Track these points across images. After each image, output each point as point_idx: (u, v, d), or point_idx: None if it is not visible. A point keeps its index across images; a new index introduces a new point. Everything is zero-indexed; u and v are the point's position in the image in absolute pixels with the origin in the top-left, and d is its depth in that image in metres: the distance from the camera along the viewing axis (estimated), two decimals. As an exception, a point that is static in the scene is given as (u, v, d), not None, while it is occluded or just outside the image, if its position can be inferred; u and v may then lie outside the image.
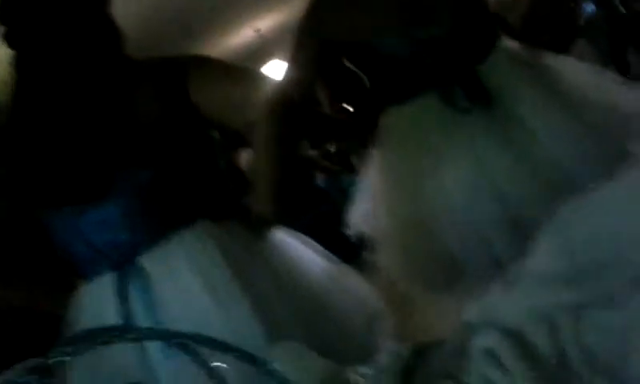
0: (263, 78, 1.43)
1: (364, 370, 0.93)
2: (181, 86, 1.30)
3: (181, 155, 1.31)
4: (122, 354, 1.16)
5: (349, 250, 1.94)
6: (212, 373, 0.66)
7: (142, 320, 1.22)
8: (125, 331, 0.55)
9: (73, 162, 1.27)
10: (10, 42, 1.26)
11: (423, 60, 1.56)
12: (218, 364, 0.75)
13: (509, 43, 1.67)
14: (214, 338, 0.53)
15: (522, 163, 1.52)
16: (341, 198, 2.10)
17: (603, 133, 1.50)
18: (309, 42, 1.62)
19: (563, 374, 0.64)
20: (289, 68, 1.65)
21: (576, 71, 1.67)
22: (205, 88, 1.31)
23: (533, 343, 0.68)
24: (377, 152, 1.78)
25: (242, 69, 1.51)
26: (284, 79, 1.63)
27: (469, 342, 0.80)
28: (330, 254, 1.55)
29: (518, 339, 0.69)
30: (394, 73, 1.62)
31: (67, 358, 0.53)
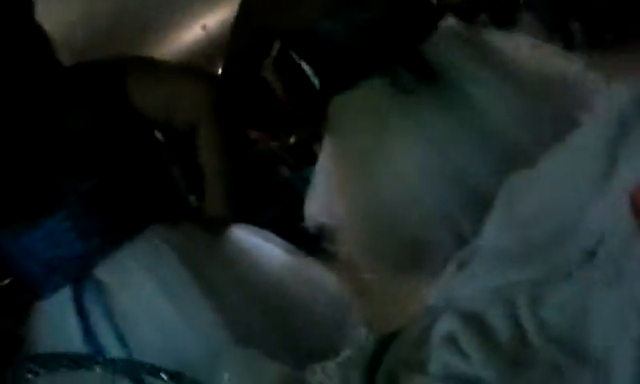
0: (202, 74, 1.40)
1: (329, 366, 0.91)
2: (118, 88, 1.25)
3: (124, 159, 1.27)
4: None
5: (314, 242, 1.91)
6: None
7: (103, 332, 1.19)
8: (91, 360, 0.52)
9: (13, 178, 1.23)
10: None
11: (362, 43, 1.53)
12: None
13: (450, 21, 1.66)
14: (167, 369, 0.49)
15: (473, 138, 1.50)
16: (305, 189, 2.07)
17: (545, 102, 1.50)
18: (245, 30, 1.59)
19: (524, 354, 0.63)
20: (227, 59, 1.62)
21: (517, 45, 1.67)
22: (143, 89, 1.27)
23: (492, 325, 0.67)
24: (328, 141, 1.75)
25: (180, 66, 1.47)
26: (223, 71, 1.59)
27: (431, 328, 0.78)
28: (293, 247, 1.52)
29: (476, 322, 0.68)
30: (336, 58, 1.59)
31: (29, 376, 0.50)
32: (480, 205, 1.40)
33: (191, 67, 1.52)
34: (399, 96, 1.53)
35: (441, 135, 1.52)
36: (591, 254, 0.61)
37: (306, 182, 2.07)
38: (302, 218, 1.99)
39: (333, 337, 1.30)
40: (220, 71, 1.67)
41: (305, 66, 1.71)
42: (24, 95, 1.23)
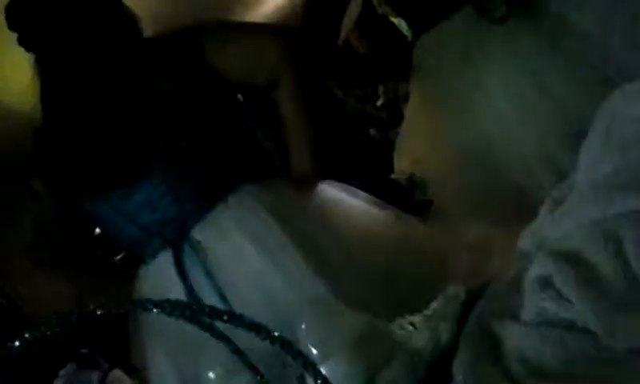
0: (278, 29, 1.38)
1: (417, 319, 0.86)
2: (196, 54, 1.27)
3: (209, 122, 1.30)
4: None
5: (406, 194, 1.86)
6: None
7: (205, 291, 1.23)
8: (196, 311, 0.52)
9: (108, 148, 1.28)
10: (26, 45, 1.27)
11: None
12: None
13: None
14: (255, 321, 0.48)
15: (572, 66, 1.36)
16: (393, 149, 2.01)
17: None
18: None
19: (631, 295, 0.54)
20: (306, 4, 1.57)
21: None
22: (220, 50, 1.28)
23: (592, 264, 0.58)
24: (415, 86, 1.67)
25: (255, 24, 1.46)
26: (303, 23, 1.56)
27: (524, 273, 0.71)
28: (383, 202, 1.48)
29: (574, 262, 0.60)
30: None
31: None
32: (582, 138, 1.28)
33: (267, 24, 1.51)
34: (489, 27, 1.42)
35: (536, 64, 1.40)
36: None
37: (392, 143, 2.00)
38: (390, 177, 1.94)
39: (424, 291, 1.25)
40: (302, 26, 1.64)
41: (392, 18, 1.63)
42: (113, 70, 1.28)
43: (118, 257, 1.72)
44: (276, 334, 0.47)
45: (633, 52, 1.29)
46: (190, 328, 1.24)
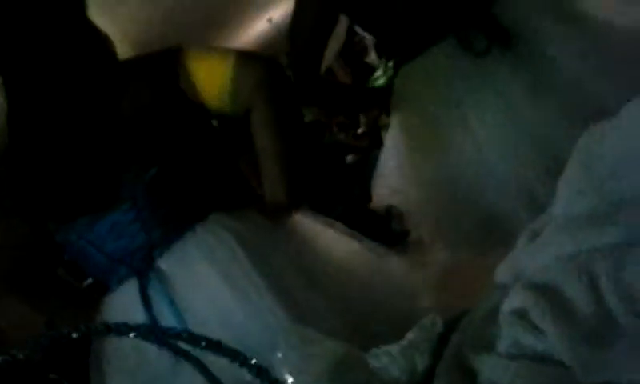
0: (256, 56, 1.38)
1: (393, 349, 0.86)
2: (170, 78, 1.26)
3: (182, 147, 1.28)
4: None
5: (383, 224, 1.85)
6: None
7: (169, 322, 1.19)
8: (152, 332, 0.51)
9: (76, 173, 1.26)
10: None
11: (431, 6, 1.45)
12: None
13: None
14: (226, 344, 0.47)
15: (551, 101, 1.38)
16: (371, 175, 2.00)
17: (632, 59, 1.37)
18: (309, 2, 1.54)
19: (605, 329, 0.55)
20: (291, 35, 1.58)
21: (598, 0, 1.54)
22: (193, 77, 1.27)
23: (568, 297, 0.59)
24: (395, 115, 1.68)
25: (233, 50, 1.45)
26: (289, 51, 1.56)
27: (501, 305, 0.71)
28: (359, 234, 1.48)
29: (550, 295, 0.60)
30: (403, 25, 1.51)
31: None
32: (558, 170, 1.30)
33: (243, 51, 1.50)
34: (471, 60, 1.44)
35: (516, 98, 1.42)
36: (684, 210, 0.52)
37: (372, 167, 2.01)
38: (368, 207, 1.94)
39: (399, 323, 1.25)
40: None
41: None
42: (83, 92, 1.26)
43: (86, 282, 1.69)
44: (253, 361, 0.47)
45: (610, 90, 1.33)
46: (155, 360, 1.23)
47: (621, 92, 1.29)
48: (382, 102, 1.76)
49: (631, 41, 1.41)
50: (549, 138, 1.38)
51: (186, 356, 0.56)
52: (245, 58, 1.35)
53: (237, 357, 0.46)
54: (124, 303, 1.28)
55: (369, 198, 1.92)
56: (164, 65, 1.27)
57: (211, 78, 1.28)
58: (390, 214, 1.80)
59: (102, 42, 1.30)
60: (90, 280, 1.66)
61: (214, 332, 1.17)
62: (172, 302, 1.22)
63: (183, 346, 0.54)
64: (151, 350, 1.19)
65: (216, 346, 0.46)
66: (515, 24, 1.43)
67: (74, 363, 1.58)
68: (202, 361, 0.59)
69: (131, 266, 1.27)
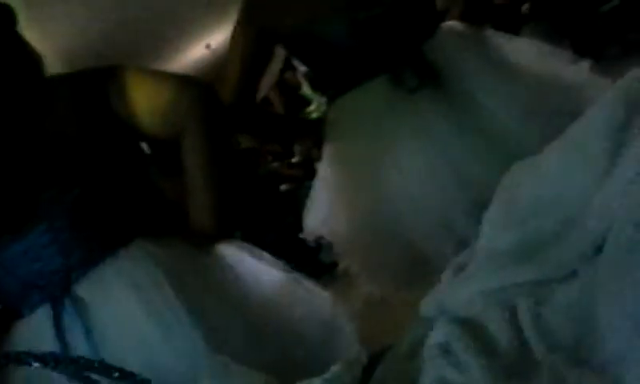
0: (189, 79, 1.35)
1: (314, 381, 0.84)
2: (100, 97, 1.21)
3: (108, 170, 1.22)
4: None
5: (312, 254, 1.85)
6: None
7: (83, 352, 1.11)
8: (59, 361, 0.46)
9: None
10: None
11: (364, 43, 1.49)
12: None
13: (453, 22, 1.62)
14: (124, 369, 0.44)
15: (476, 140, 1.44)
16: (304, 205, 2.00)
17: (550, 104, 1.45)
18: (246, 33, 1.55)
19: (524, 364, 0.56)
20: (228, 64, 1.57)
21: (521, 47, 1.63)
22: (124, 97, 1.22)
23: (489, 332, 0.60)
24: (328, 147, 1.69)
25: (166, 73, 1.43)
26: (225, 80, 1.55)
27: (425, 338, 0.71)
28: (285, 265, 1.47)
29: (473, 329, 0.61)
30: (337, 59, 1.54)
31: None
32: (483, 208, 1.34)
33: (176, 74, 1.46)
34: (401, 97, 1.47)
35: (444, 138, 1.46)
36: (598, 249, 0.54)
37: (305, 197, 2.01)
38: (298, 236, 1.93)
39: (323, 358, 1.23)
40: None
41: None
42: (3, 106, 1.19)
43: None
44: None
45: (532, 132, 1.39)
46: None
47: (542, 135, 1.36)
48: (316, 133, 1.77)
49: (551, 88, 1.49)
50: (474, 176, 1.43)
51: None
52: (181, 81, 1.32)
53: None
54: (35, 331, 1.19)
55: (301, 227, 1.92)
56: (95, 82, 1.22)
57: (146, 98, 1.24)
58: (319, 245, 1.80)
59: (28, 56, 1.24)
60: (-1, 306, 1.55)
61: (131, 361, 1.12)
62: (87, 331, 1.15)
63: (95, 376, 0.51)
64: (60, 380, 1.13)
65: (129, 377, 0.44)
66: (444, 65, 1.49)
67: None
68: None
69: (45, 291, 1.19)
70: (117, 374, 0.44)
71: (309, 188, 1.94)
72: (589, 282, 0.54)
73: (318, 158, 1.95)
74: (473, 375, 0.59)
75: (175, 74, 1.44)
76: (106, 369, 0.44)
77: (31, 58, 1.25)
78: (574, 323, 0.54)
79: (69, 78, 1.25)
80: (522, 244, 0.61)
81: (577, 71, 1.54)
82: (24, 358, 0.45)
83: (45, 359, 0.45)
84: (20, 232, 1.17)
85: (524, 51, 1.60)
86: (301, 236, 1.83)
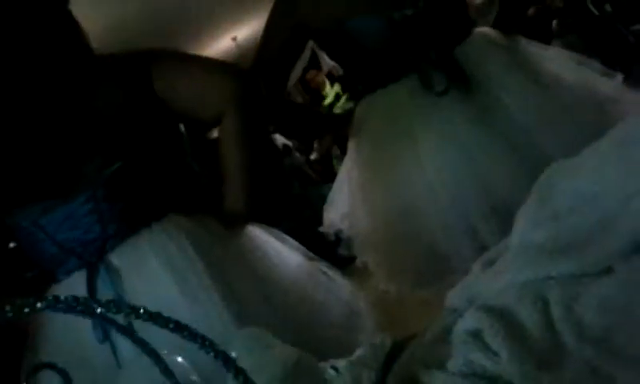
0: (229, 66, 1.38)
1: (340, 363, 0.86)
2: (144, 78, 1.26)
3: (148, 146, 1.27)
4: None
5: (331, 248, 1.86)
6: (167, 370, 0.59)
7: (113, 317, 1.17)
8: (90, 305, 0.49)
9: (36, 158, 1.23)
10: None
11: (396, 42, 1.50)
12: (179, 359, 0.68)
13: (486, 29, 1.63)
14: (179, 321, 0.46)
15: (502, 146, 1.45)
16: (322, 205, 2.03)
17: (580, 115, 1.46)
18: (282, 23, 1.57)
19: (555, 354, 0.57)
20: (259, 54, 1.59)
21: (552, 56, 1.63)
22: (168, 78, 1.27)
23: (521, 321, 0.61)
24: (353, 144, 1.71)
25: (206, 58, 1.46)
26: (253, 64, 1.57)
27: (453, 326, 0.73)
28: (309, 251, 1.49)
29: (505, 318, 0.62)
30: (368, 58, 1.56)
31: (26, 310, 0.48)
32: (504, 216, 1.35)
33: (218, 60, 1.50)
34: (429, 99, 1.49)
35: (469, 142, 1.47)
36: (638, 247, 0.56)
37: (323, 198, 2.03)
38: (318, 229, 1.95)
39: (344, 342, 1.26)
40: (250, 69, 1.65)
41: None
42: (52, 80, 1.24)
43: (30, 274, 1.63)
44: (220, 348, 0.46)
45: (557, 140, 1.40)
46: (97, 362, 1.19)
47: (566, 142, 1.37)
48: (340, 128, 1.79)
49: (579, 97, 1.50)
50: (497, 182, 1.44)
51: (143, 345, 0.55)
52: (221, 66, 1.36)
53: (204, 342, 0.46)
54: (69, 294, 1.24)
55: (318, 222, 1.93)
56: (139, 64, 1.26)
57: (188, 82, 1.28)
58: (338, 239, 1.82)
59: (80, 34, 1.29)
60: (34, 271, 1.60)
61: (159, 330, 1.16)
62: (119, 297, 1.19)
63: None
64: (84, 326, 1.16)
65: (184, 329, 0.46)
66: (474, 70, 1.50)
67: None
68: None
69: (82, 257, 1.24)
70: (171, 325, 0.46)
71: (329, 188, 1.95)
72: (626, 279, 0.55)
73: (337, 157, 1.96)
74: (502, 361, 0.60)
75: (215, 60, 1.47)
76: (158, 318, 0.46)
77: (81, 34, 1.29)
78: (608, 318, 0.55)
79: (116, 58, 1.30)
80: (557, 239, 0.63)
81: (610, 83, 1.54)
82: (71, 303, 0.47)
83: (86, 305, 0.47)
84: (63, 199, 1.21)
85: (556, 60, 1.61)
86: (320, 229, 1.85)
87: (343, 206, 1.80)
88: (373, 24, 1.51)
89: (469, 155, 1.49)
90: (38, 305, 0.48)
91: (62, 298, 0.51)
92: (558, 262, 0.61)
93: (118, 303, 0.51)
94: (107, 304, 0.45)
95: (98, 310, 0.47)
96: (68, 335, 1.20)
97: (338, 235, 1.86)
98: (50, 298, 0.52)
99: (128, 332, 0.55)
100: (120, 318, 0.58)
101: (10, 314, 0.49)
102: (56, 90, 1.23)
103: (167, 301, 1.18)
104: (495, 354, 0.61)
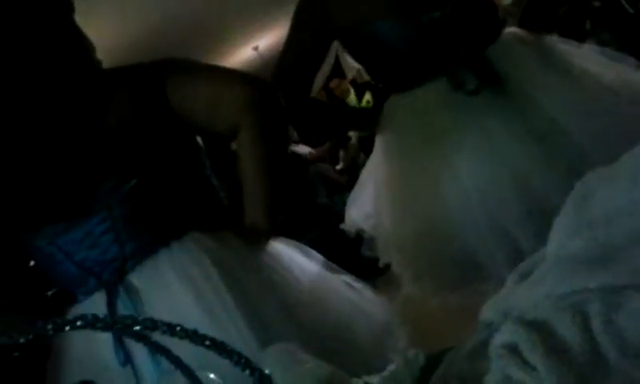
0: (246, 76, 1.37)
1: (373, 380, 0.85)
2: (158, 90, 1.25)
3: (165, 162, 1.27)
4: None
5: (355, 256, 1.85)
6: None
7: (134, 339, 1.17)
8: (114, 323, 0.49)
9: (52, 178, 1.23)
10: None
11: (425, 43, 1.48)
12: (211, 375, 0.68)
13: (516, 30, 1.60)
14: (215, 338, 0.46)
15: (537, 149, 1.41)
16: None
17: (616, 113, 1.42)
18: (310, 20, 1.55)
19: (595, 368, 0.56)
20: (283, 53, 1.58)
21: (586, 54, 1.59)
22: (182, 92, 1.26)
23: (560, 335, 0.60)
24: (379, 143, 1.69)
25: (223, 68, 1.45)
26: (276, 67, 1.56)
27: (489, 340, 0.72)
28: (333, 265, 1.47)
29: (542, 331, 0.61)
30: (395, 59, 1.54)
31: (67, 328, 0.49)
32: (540, 220, 1.31)
33: (234, 70, 1.49)
34: (460, 99, 1.46)
35: (502, 143, 1.44)
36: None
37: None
38: (341, 241, 1.92)
39: (371, 358, 1.24)
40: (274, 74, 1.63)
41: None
42: (65, 98, 1.24)
43: (50, 292, 1.65)
44: (256, 366, 0.46)
45: (593, 141, 1.36)
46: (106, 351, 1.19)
47: (603, 140, 1.34)
48: (370, 123, 1.74)
49: (615, 95, 1.46)
50: (531, 182, 1.41)
51: (178, 363, 0.55)
52: (238, 76, 1.35)
53: (239, 360, 0.46)
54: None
55: (340, 235, 1.91)
56: (153, 75, 1.25)
57: (203, 92, 1.27)
58: (360, 237, 1.79)
59: (86, 48, 1.28)
60: (54, 290, 1.61)
61: (181, 352, 1.16)
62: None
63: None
64: (106, 348, 1.16)
65: (220, 346, 0.46)
66: (507, 69, 1.47)
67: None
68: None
69: (101, 277, 1.23)
70: (207, 342, 0.46)
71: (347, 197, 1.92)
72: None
73: (364, 165, 1.95)
74: (540, 376, 0.59)
75: (231, 70, 1.47)
76: (194, 336, 0.46)
77: (85, 46, 1.29)
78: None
79: (127, 71, 1.29)
80: (595, 250, 0.61)
81: None
82: (95, 323, 0.47)
83: (143, 322, 0.47)
84: (79, 219, 1.21)
85: (589, 57, 1.57)
86: (341, 226, 1.82)
87: (367, 205, 1.77)
88: (398, 28, 1.49)
89: (502, 157, 1.45)
90: (78, 323, 0.49)
91: (100, 315, 0.51)
92: (597, 274, 0.59)
93: (155, 321, 0.51)
94: (144, 322, 0.45)
95: (136, 328, 0.47)
96: (91, 356, 1.20)
97: (359, 234, 1.83)
98: (90, 316, 0.52)
99: (164, 351, 0.55)
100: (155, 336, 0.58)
101: (52, 332, 0.50)
102: (62, 106, 1.23)
103: (188, 321, 1.18)
104: (533, 368, 0.60)
